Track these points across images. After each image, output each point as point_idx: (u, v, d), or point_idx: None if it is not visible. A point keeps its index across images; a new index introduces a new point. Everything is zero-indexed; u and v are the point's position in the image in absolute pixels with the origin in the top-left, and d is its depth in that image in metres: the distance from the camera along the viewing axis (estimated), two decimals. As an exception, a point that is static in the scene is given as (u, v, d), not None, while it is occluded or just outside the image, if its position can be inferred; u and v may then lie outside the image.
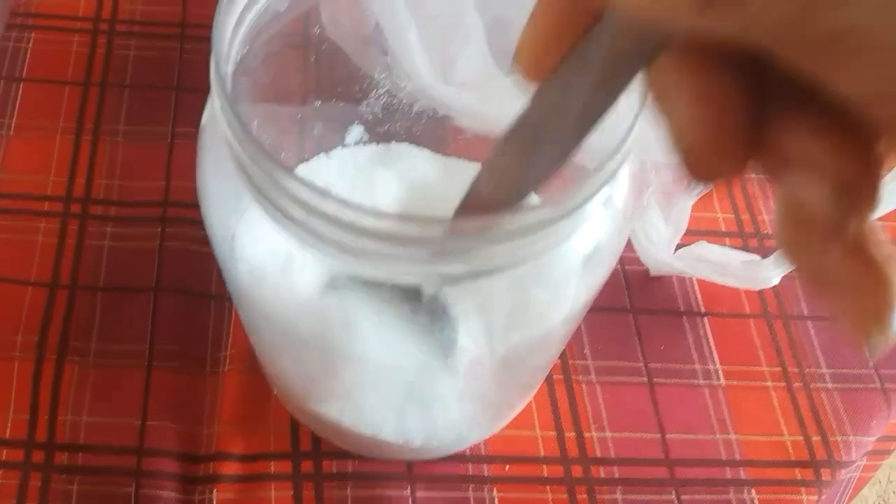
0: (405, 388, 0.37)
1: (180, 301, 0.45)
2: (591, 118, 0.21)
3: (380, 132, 0.42)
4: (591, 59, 0.20)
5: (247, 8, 0.31)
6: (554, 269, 0.33)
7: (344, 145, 0.42)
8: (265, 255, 0.33)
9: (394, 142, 0.43)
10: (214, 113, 0.28)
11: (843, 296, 0.18)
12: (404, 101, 0.41)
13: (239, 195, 0.28)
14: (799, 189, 0.18)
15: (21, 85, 0.52)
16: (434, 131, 0.42)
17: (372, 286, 0.33)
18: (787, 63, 0.16)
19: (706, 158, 0.19)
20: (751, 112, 0.18)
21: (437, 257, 0.27)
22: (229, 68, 0.30)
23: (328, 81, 0.41)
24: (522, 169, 0.23)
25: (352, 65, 0.40)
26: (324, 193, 0.24)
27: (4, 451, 0.40)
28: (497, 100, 0.27)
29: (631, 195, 0.34)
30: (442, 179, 0.42)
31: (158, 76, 0.53)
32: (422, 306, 0.34)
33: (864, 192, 0.18)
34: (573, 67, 0.20)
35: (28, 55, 0.53)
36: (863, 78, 0.15)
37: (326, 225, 0.25)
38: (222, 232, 0.33)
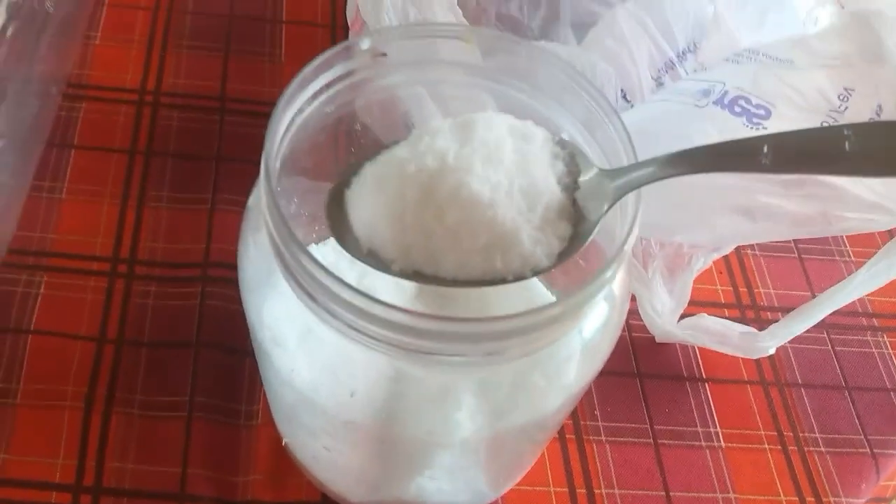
0: (413, 459, 0.39)
1: (218, 356, 0.48)
2: None
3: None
4: None
5: (298, 113, 0.35)
6: (554, 356, 0.36)
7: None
8: (287, 325, 0.36)
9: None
10: (260, 200, 0.32)
11: None
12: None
13: (272, 270, 0.32)
14: None
15: (73, 151, 0.56)
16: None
17: None
18: None
19: None
20: None
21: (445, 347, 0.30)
22: (277, 164, 0.34)
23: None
24: None
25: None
26: (343, 284, 0.28)
27: (54, 494, 0.43)
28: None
29: (627, 285, 0.37)
30: None
31: (200, 146, 0.57)
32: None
33: None
34: None
35: (79, 124, 0.57)
36: None
37: (342, 311, 0.29)
38: (254, 298, 0.36)
